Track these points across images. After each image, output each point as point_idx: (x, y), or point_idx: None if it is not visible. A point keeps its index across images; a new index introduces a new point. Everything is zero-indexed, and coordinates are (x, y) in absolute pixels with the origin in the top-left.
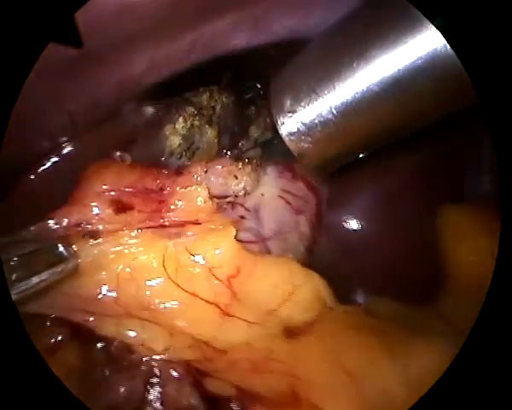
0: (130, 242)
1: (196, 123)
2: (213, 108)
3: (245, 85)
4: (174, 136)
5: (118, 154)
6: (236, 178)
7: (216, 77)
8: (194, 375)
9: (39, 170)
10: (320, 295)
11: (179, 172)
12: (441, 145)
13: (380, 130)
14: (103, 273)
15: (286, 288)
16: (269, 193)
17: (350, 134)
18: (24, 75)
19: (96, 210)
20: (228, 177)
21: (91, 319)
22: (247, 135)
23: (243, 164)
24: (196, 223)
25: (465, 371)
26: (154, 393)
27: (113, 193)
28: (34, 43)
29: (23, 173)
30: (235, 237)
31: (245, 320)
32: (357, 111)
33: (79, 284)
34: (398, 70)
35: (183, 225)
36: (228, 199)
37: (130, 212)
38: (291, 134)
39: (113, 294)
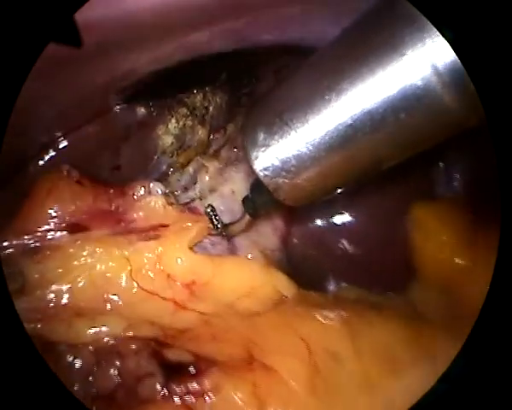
0: (85, 254)
1: (189, 123)
2: (206, 108)
3: (241, 82)
4: (166, 135)
5: (66, 168)
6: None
7: (211, 76)
8: (153, 347)
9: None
10: (278, 289)
11: (124, 190)
12: None
13: (361, 165)
14: (53, 287)
15: (245, 288)
16: (240, 190)
17: (327, 169)
18: (24, 75)
19: (48, 231)
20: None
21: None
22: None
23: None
24: (163, 226)
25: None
26: (113, 366)
27: (66, 221)
28: (34, 43)
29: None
30: (195, 243)
31: (199, 312)
32: (332, 145)
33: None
34: (372, 103)
35: (148, 230)
36: (190, 201)
37: (87, 232)
38: (265, 169)
39: (66, 300)
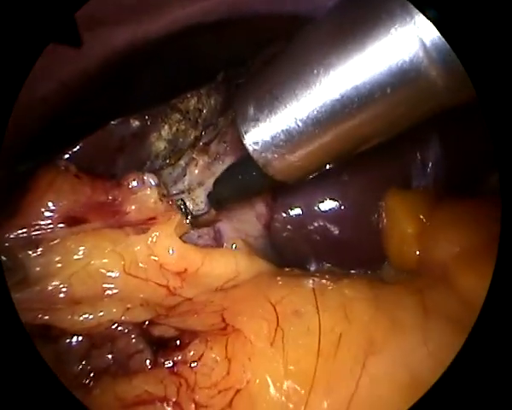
0: (82, 248)
1: (181, 127)
2: (200, 110)
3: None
4: (159, 141)
5: (64, 162)
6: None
7: (208, 78)
8: (142, 327)
9: None
10: (261, 271)
11: (120, 182)
12: None
13: (348, 141)
14: (55, 280)
15: (231, 274)
16: None
17: (315, 145)
18: (24, 75)
19: (47, 225)
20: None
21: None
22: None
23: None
24: (152, 218)
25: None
26: (106, 348)
27: (66, 212)
28: (34, 43)
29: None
30: (183, 234)
31: (188, 299)
32: (320, 120)
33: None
34: (359, 78)
35: (140, 223)
36: (179, 193)
37: (84, 224)
38: (255, 143)
39: (66, 292)
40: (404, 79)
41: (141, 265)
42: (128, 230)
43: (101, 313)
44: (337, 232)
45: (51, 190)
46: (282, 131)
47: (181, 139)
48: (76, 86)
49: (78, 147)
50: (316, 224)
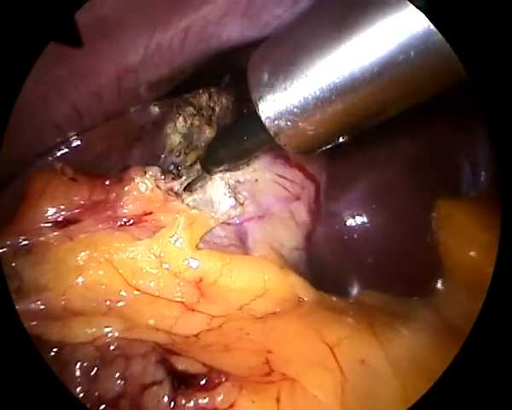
0: (79, 258)
1: (196, 123)
2: (213, 108)
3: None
4: (175, 134)
5: (60, 166)
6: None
7: (216, 79)
8: (161, 353)
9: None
10: (295, 292)
11: (120, 179)
12: (438, 137)
13: (364, 110)
14: (51, 288)
15: (257, 289)
16: (263, 178)
17: (331, 112)
18: (24, 75)
19: (42, 232)
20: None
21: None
22: None
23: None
24: (148, 213)
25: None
26: (117, 370)
27: (61, 217)
28: (34, 43)
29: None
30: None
31: (208, 314)
32: (339, 87)
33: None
34: (382, 42)
35: (137, 219)
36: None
37: (78, 224)
38: (268, 110)
39: (62, 302)
40: (428, 43)
41: (150, 273)
42: (131, 233)
43: (106, 329)
44: (382, 250)
45: (46, 195)
46: (298, 97)
47: (195, 135)
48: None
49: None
50: (362, 238)
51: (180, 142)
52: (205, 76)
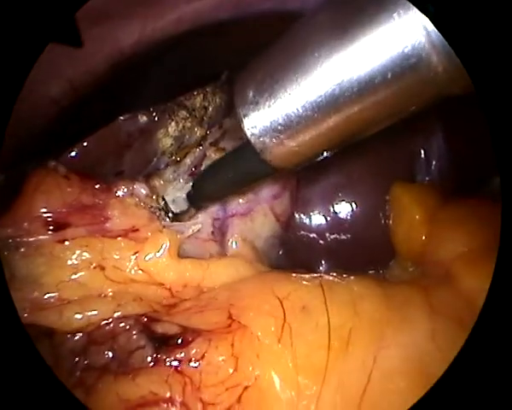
0: (69, 255)
1: (188, 125)
2: (205, 108)
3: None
4: (166, 138)
5: (53, 163)
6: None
7: (212, 77)
8: (144, 323)
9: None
10: None
11: (110, 187)
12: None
13: (347, 127)
14: (39, 282)
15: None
16: None
17: (314, 130)
18: (24, 75)
19: (33, 227)
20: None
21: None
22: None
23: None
24: (134, 230)
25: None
26: (106, 344)
27: (50, 217)
28: (34, 43)
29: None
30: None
31: (189, 300)
32: (321, 106)
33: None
34: (360, 63)
35: (123, 233)
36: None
37: (68, 229)
38: (253, 127)
39: (53, 294)
40: (405, 65)
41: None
42: (120, 242)
43: (92, 313)
44: (349, 231)
45: (39, 192)
46: (282, 115)
47: (187, 136)
48: (82, 86)
49: (85, 143)
50: (331, 223)
51: (171, 144)
52: (200, 75)
